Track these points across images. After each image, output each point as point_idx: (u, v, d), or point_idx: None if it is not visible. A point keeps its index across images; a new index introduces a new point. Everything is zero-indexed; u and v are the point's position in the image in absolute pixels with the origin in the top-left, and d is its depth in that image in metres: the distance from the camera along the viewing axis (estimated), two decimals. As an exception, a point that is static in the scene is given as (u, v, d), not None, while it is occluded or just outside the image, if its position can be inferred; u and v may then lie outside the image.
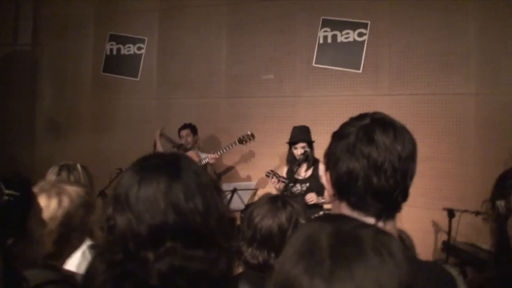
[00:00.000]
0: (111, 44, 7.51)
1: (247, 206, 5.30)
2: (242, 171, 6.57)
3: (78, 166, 2.62)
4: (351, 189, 1.22)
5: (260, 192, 5.81)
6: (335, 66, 6.23)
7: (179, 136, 6.23)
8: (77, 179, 2.50)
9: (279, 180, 4.81)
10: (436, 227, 5.45)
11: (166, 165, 1.16)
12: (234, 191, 5.38)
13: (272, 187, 6.16)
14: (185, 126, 6.24)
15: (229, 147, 5.92)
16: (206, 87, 6.89)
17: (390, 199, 1.22)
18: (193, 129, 6.26)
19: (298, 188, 4.84)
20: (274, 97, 6.51)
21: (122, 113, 7.36)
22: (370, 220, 1.21)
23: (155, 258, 1.07)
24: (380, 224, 1.22)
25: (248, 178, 6.47)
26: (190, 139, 6.16)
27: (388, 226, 1.23)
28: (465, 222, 4.77)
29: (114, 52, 7.51)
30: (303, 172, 4.91)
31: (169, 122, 6.89)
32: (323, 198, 4.78)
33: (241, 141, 5.89)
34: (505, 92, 5.45)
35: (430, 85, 5.77)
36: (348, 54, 6.18)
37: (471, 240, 5.07)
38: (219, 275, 1.12)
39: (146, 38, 7.31)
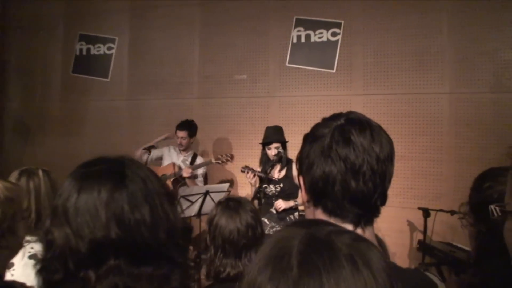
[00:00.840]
0: (81, 44, 7.35)
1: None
2: (215, 173, 6.44)
3: (40, 171, 2.45)
4: (328, 194, 1.13)
5: (236, 194, 5.71)
6: (309, 66, 6.17)
7: (176, 135, 5.89)
8: (36, 185, 2.34)
9: (254, 175, 4.70)
10: (411, 227, 5.41)
11: (110, 171, 1.04)
12: (206, 193, 5.25)
13: (244, 189, 6.11)
14: (182, 126, 5.89)
15: (203, 165, 5.78)
16: (178, 87, 6.77)
17: (369, 204, 1.13)
18: (191, 130, 5.93)
19: (272, 189, 4.75)
20: (248, 98, 6.42)
21: (93, 114, 7.19)
22: (348, 227, 1.13)
23: (97, 278, 0.96)
24: (359, 231, 1.14)
25: (223, 181, 6.35)
26: (185, 142, 5.86)
27: (367, 232, 1.15)
28: (440, 221, 4.75)
29: (84, 52, 7.35)
30: (277, 173, 4.83)
31: (140, 123, 6.76)
32: (295, 201, 4.71)
33: (217, 160, 5.70)
34: (479, 91, 5.48)
35: (404, 85, 5.74)
36: (321, 54, 6.12)
37: (446, 239, 5.05)
38: None
39: (116, 38, 7.17)
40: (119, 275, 0.96)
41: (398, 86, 5.78)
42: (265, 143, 4.81)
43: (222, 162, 5.72)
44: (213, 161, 5.71)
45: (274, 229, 4.64)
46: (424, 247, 4.84)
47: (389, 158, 1.14)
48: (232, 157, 5.72)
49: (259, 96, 6.38)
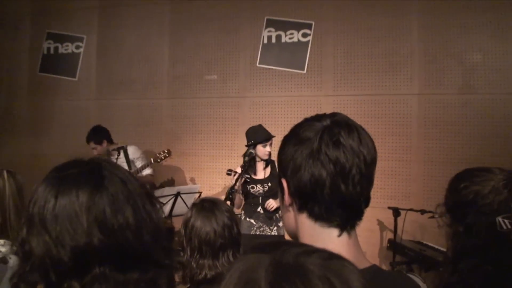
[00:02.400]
0: (49, 43, 7.21)
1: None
2: (186, 173, 6.38)
3: (4, 172, 2.34)
4: (316, 198, 1.09)
5: (207, 195, 5.64)
6: (280, 66, 6.16)
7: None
8: (1, 187, 2.24)
9: (242, 178, 4.64)
10: (381, 226, 5.45)
11: (87, 173, 0.98)
12: (177, 195, 5.19)
13: (214, 190, 6.07)
14: (87, 139, 5.74)
15: (143, 167, 5.66)
16: (147, 87, 6.69)
17: (356, 207, 1.11)
18: (96, 138, 5.75)
19: (259, 188, 4.72)
20: (218, 98, 6.37)
21: (60, 115, 7.06)
22: (334, 232, 1.11)
23: (82, 287, 0.91)
24: (345, 235, 1.11)
25: (192, 181, 6.29)
26: (99, 150, 5.69)
27: (353, 236, 1.13)
28: (410, 220, 4.78)
29: (52, 51, 7.22)
30: (261, 171, 4.77)
31: (109, 124, 6.64)
32: None
33: (156, 159, 5.60)
34: (447, 92, 5.55)
35: (374, 86, 5.78)
36: (292, 55, 6.12)
37: (416, 238, 5.10)
38: None
39: (84, 36, 7.05)
40: (105, 283, 0.91)
41: (368, 87, 5.81)
42: (262, 141, 4.68)
43: (161, 160, 5.62)
44: (152, 161, 5.61)
45: (262, 229, 4.66)
46: (394, 246, 4.87)
47: (374, 160, 1.12)
48: (169, 152, 5.63)
49: (229, 96, 6.34)
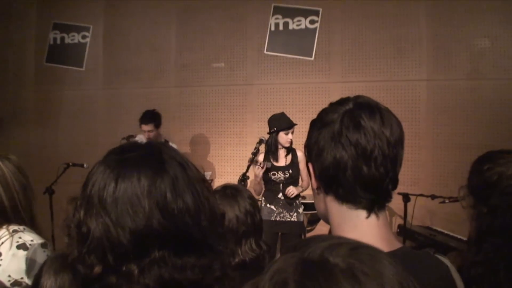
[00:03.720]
0: (55, 33, 7.19)
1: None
2: (194, 161, 6.34)
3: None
4: (339, 180, 1.10)
5: (216, 182, 5.65)
6: (287, 53, 6.14)
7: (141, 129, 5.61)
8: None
9: (263, 166, 4.67)
10: (391, 212, 5.44)
11: (147, 157, 0.97)
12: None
13: (224, 178, 6.08)
14: (147, 119, 5.55)
15: None
16: (155, 76, 6.67)
17: (381, 189, 1.11)
18: (156, 121, 5.62)
19: (280, 175, 4.74)
20: (225, 86, 6.37)
21: (67, 104, 7.05)
22: (362, 213, 1.12)
23: (140, 271, 0.89)
24: (373, 216, 1.12)
25: (202, 169, 6.28)
26: (153, 135, 5.57)
27: (381, 217, 1.13)
28: (418, 205, 4.77)
29: (58, 41, 7.19)
30: (282, 158, 4.78)
31: (117, 113, 6.65)
32: (301, 187, 4.77)
33: None
34: (456, 77, 5.54)
35: (382, 72, 5.77)
36: (300, 42, 6.10)
37: (425, 224, 5.10)
38: (214, 283, 0.96)
39: (91, 26, 7.02)
40: (164, 267, 0.90)
41: (376, 73, 5.79)
42: (285, 128, 4.69)
43: None
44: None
45: (282, 215, 4.70)
46: (404, 231, 4.87)
47: (400, 141, 1.12)
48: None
49: (237, 84, 6.33)
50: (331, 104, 1.19)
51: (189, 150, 6.45)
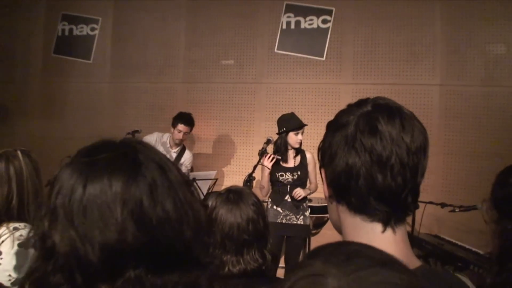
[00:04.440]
0: (63, 24, 7.14)
1: (206, 196, 5.12)
2: (200, 159, 6.30)
3: (19, 153, 2.24)
4: (351, 189, 1.00)
5: (221, 182, 5.56)
6: (298, 53, 6.05)
7: (173, 126, 5.44)
8: (17, 168, 2.13)
9: (273, 158, 4.57)
10: (398, 219, 5.32)
11: (121, 158, 0.84)
12: (193, 181, 5.11)
13: (230, 178, 5.99)
14: (186, 121, 5.43)
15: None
16: (162, 71, 6.59)
17: (398, 200, 1.00)
18: (192, 126, 5.52)
19: (288, 177, 4.65)
20: (234, 83, 6.28)
21: (74, 97, 6.99)
22: (377, 226, 1.01)
23: None
24: (389, 231, 1.01)
25: (207, 167, 6.21)
26: (185, 137, 5.50)
27: (399, 233, 1.02)
28: (427, 213, 4.65)
29: (66, 33, 7.14)
30: (291, 159, 4.70)
31: (123, 107, 6.58)
32: (309, 189, 4.69)
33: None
34: (469, 83, 5.46)
35: (395, 75, 5.68)
36: (311, 41, 6.01)
37: (433, 232, 4.99)
38: None
39: (100, 18, 6.96)
40: None
41: (388, 76, 5.70)
42: (294, 129, 4.60)
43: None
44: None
45: (288, 217, 4.61)
46: (412, 239, 4.76)
47: (422, 149, 1.01)
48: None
49: (246, 82, 6.24)
50: (349, 106, 1.08)
51: (195, 147, 6.38)
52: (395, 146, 0.97)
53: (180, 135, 5.41)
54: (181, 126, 5.40)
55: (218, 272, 1.63)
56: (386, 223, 1.00)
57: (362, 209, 1.01)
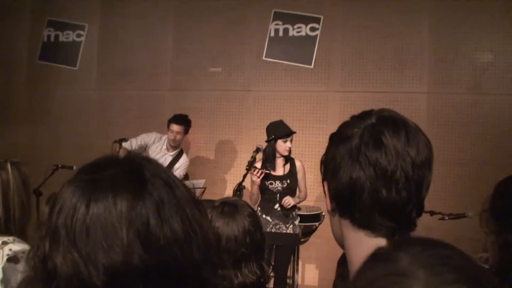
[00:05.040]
0: (49, 31, 7.08)
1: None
2: (189, 168, 6.24)
3: (8, 164, 2.18)
4: (355, 204, 0.99)
5: (210, 190, 5.51)
6: (286, 60, 6.04)
7: (167, 127, 5.46)
8: (4, 180, 2.08)
9: (262, 172, 4.51)
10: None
11: (126, 175, 0.80)
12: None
13: (218, 187, 5.95)
14: (178, 120, 5.44)
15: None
16: (150, 78, 6.54)
17: (403, 215, 0.99)
18: (187, 126, 5.51)
19: (277, 185, 4.61)
20: (222, 91, 6.25)
21: (59, 104, 6.90)
22: (382, 242, 0.98)
23: None
24: None
25: (195, 176, 6.15)
26: (179, 138, 5.47)
27: None
28: (415, 221, 4.65)
29: (52, 39, 7.08)
30: (280, 168, 4.65)
31: (109, 115, 6.51)
32: (298, 198, 4.66)
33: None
34: (457, 91, 5.48)
35: (383, 83, 5.69)
36: (299, 49, 6.00)
37: (421, 239, 4.99)
38: None
39: (86, 25, 6.91)
40: None
41: (376, 84, 5.71)
42: (283, 136, 4.57)
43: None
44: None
45: (277, 226, 4.57)
46: (400, 248, 4.76)
47: (427, 163, 1.00)
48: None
49: (234, 89, 6.22)
50: (353, 117, 1.07)
51: (182, 156, 6.30)
52: (400, 160, 0.96)
53: (173, 136, 5.38)
54: (173, 126, 5.39)
55: None
56: (390, 239, 0.99)
57: (366, 224, 1.00)
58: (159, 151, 5.54)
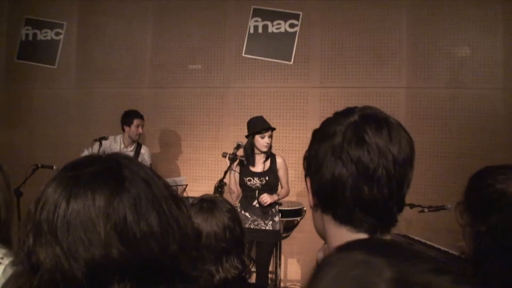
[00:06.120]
0: (27, 29, 6.99)
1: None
2: (168, 165, 6.22)
3: None
4: (337, 200, 1.01)
5: (190, 187, 5.49)
6: (266, 57, 6.04)
7: (128, 125, 5.49)
8: None
9: (237, 159, 4.50)
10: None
11: (105, 173, 0.83)
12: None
13: (199, 183, 5.93)
14: (140, 115, 5.57)
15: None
16: (129, 76, 6.50)
17: (384, 212, 1.01)
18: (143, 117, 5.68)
19: (256, 182, 4.57)
20: (202, 88, 6.23)
21: (39, 103, 6.83)
22: (363, 237, 1.01)
23: None
24: None
25: (175, 173, 6.13)
26: (141, 130, 5.56)
27: None
28: (395, 214, 4.67)
29: (30, 38, 6.99)
30: (260, 164, 4.62)
31: (89, 113, 6.46)
32: (277, 195, 4.59)
33: None
34: (435, 86, 5.54)
35: (362, 78, 5.72)
36: (279, 45, 6.01)
37: (401, 232, 5.02)
38: None
39: (65, 23, 6.83)
40: None
41: (355, 80, 5.74)
42: (260, 131, 4.51)
43: None
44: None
45: (256, 222, 4.54)
46: (381, 240, 4.79)
47: (409, 161, 1.01)
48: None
49: (214, 86, 6.20)
50: (336, 114, 1.08)
51: (163, 153, 6.30)
52: (382, 158, 0.97)
53: (140, 129, 5.50)
54: (137, 121, 5.49)
55: (207, 284, 1.61)
56: (372, 234, 1.01)
57: (348, 220, 1.01)
58: (120, 150, 5.52)
